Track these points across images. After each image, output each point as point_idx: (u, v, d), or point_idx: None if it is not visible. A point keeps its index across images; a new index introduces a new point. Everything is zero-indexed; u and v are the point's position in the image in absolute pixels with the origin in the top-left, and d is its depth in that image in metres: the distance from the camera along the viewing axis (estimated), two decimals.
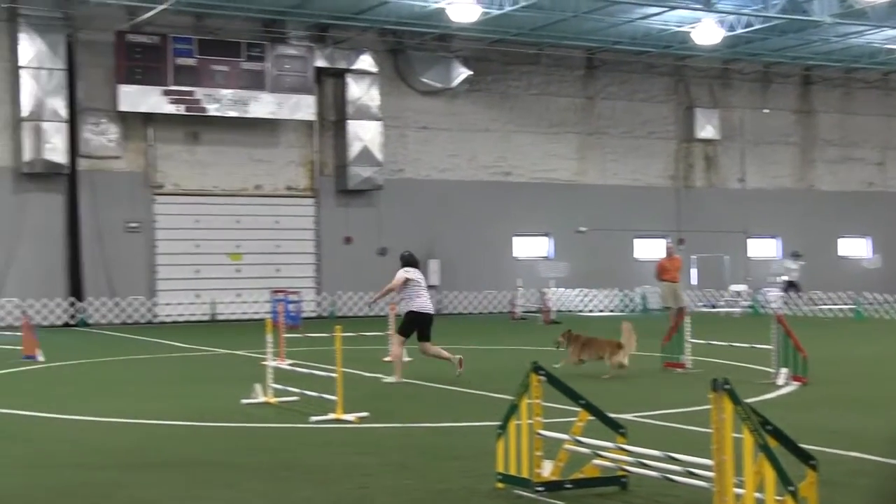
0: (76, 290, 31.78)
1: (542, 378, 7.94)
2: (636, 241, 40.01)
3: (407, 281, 15.95)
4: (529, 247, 38.77)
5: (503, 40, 36.22)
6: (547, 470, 7.99)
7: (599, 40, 37.01)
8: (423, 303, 15.95)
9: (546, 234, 38.89)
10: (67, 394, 14.76)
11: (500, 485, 8.17)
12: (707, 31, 33.52)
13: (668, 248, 29.41)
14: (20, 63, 30.55)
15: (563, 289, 36.43)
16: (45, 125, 30.58)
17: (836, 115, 43.34)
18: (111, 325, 31.74)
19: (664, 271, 27.57)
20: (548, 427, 8.15)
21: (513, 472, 8.09)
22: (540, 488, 7.90)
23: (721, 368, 16.59)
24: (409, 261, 16.35)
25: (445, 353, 16.09)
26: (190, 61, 32.22)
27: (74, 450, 10.24)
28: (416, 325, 15.93)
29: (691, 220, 40.35)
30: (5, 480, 8.76)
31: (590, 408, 8.09)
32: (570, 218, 38.44)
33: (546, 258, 38.59)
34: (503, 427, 8.20)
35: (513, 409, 8.12)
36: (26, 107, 30.53)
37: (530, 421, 7.95)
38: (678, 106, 40.72)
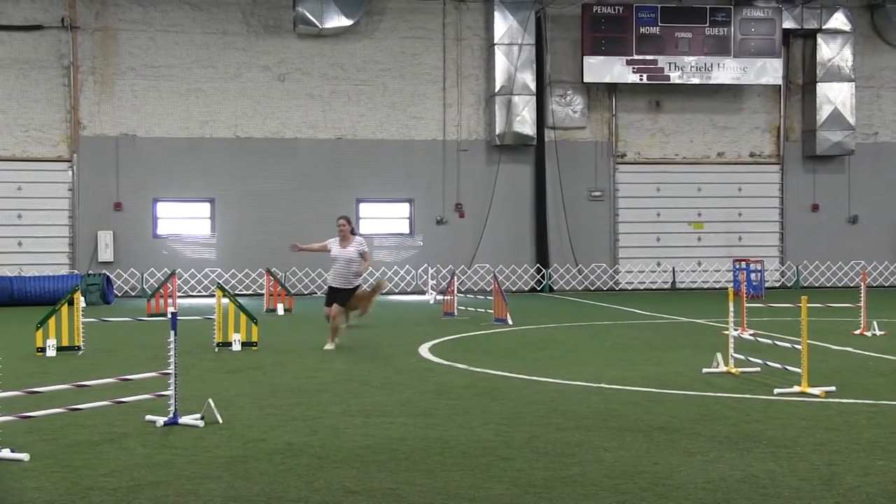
0: (542, 257, 33.17)
1: None
2: None
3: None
4: None
5: None
6: None
7: None
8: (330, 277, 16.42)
9: None
10: (535, 357, 15.34)
11: None
12: None
13: None
14: (494, 40, 32.31)
15: None
16: (516, 98, 32.16)
17: None
18: (574, 291, 32.81)
19: None
20: None
21: None
22: None
23: None
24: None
25: (341, 328, 16.55)
26: (653, 30, 32.42)
27: (542, 410, 10.65)
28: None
29: None
30: (482, 433, 9.36)
31: None
32: None
33: None
34: None
35: None
36: (499, 81, 32.26)
37: None
38: None
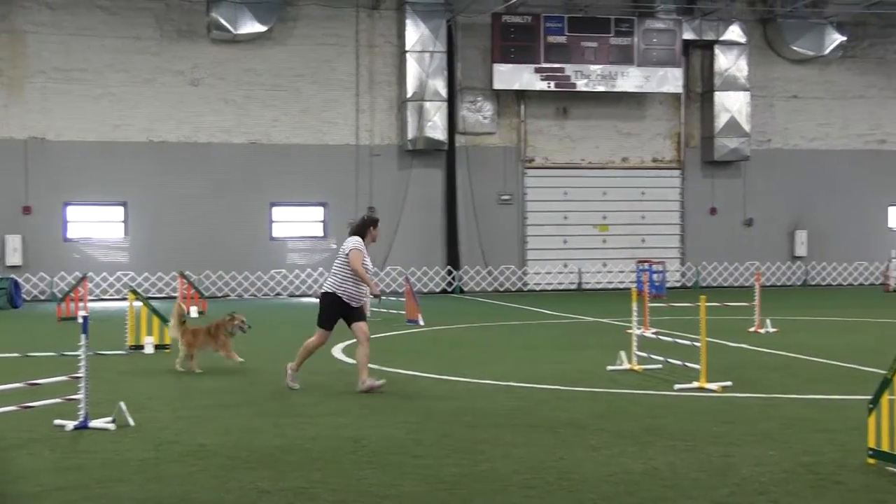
0: (453, 259, 33.70)
1: None
2: None
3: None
4: None
5: (882, 2, 34.35)
6: None
7: None
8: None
9: None
10: (446, 357, 15.59)
11: (871, 460, 8.04)
12: None
13: None
14: (406, 48, 32.76)
15: None
16: (427, 104, 32.61)
17: None
18: (484, 292, 33.32)
19: None
20: None
21: (885, 448, 7.90)
22: None
23: None
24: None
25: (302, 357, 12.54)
26: (560, 39, 33.17)
27: (453, 408, 10.89)
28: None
29: None
30: (394, 432, 9.61)
31: None
32: None
33: None
34: (875, 402, 7.97)
35: (886, 384, 7.87)
36: (410, 88, 32.68)
37: None
38: None
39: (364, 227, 12.38)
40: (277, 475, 7.84)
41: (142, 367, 14.43)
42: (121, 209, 32.03)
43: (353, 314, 12.09)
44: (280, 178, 32.59)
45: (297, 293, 32.72)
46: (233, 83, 32.29)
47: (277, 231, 33.12)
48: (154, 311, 16.43)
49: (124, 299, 18.45)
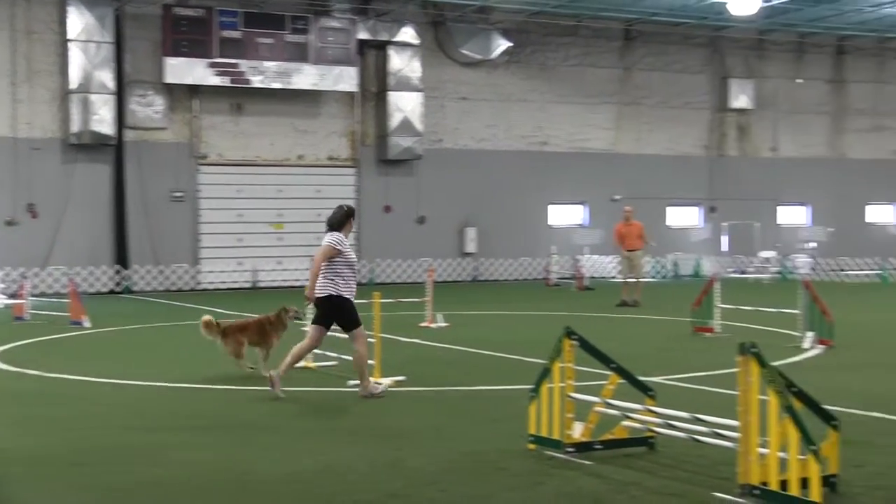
0: (122, 258, 32.43)
1: (575, 342, 8.17)
2: (669, 210, 40.35)
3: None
4: (564, 215, 39.07)
5: (542, 12, 36.34)
6: (577, 431, 8.22)
7: (637, 12, 37.03)
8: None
9: (581, 203, 39.18)
10: (114, 359, 15.11)
11: (531, 446, 8.42)
12: (743, 2, 33.09)
13: (625, 213, 25.39)
14: (69, 36, 31.03)
15: (596, 256, 36.92)
16: (93, 97, 31.10)
17: (868, 84, 42.93)
18: (155, 291, 32.34)
19: (620, 239, 24.69)
20: (579, 390, 8.36)
21: (544, 433, 8.33)
22: (570, 449, 8.15)
23: (749, 332, 16.80)
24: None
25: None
26: (235, 34, 32.62)
27: (124, 413, 10.58)
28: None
29: (723, 189, 40.72)
30: (56, 440, 9.16)
31: (620, 371, 8.32)
32: (604, 186, 38.63)
33: (581, 226, 38.92)
34: (536, 390, 8.41)
35: (545, 373, 8.32)
36: (75, 79, 31.03)
37: (562, 384, 8.17)
38: (713, 76, 40.80)
39: (346, 219, 11.73)
40: None
41: None
42: None
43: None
44: None
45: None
46: None
47: None
48: None
49: None
